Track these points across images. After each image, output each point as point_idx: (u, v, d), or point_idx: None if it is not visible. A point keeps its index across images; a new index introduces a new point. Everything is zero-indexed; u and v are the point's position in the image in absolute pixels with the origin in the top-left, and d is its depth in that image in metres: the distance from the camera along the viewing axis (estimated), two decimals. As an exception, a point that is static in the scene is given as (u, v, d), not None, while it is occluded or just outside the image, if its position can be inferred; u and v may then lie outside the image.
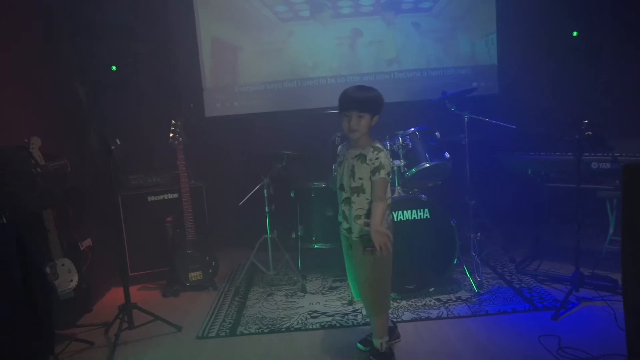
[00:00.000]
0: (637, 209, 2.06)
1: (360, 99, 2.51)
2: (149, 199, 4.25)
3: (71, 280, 3.32)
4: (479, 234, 3.79)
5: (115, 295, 4.06)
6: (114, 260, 4.26)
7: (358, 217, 2.55)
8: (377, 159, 2.50)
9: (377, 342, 2.64)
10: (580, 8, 4.73)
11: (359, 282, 2.64)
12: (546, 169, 3.66)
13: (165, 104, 4.71)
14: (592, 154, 3.41)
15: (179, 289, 3.97)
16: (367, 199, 2.54)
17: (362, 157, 2.53)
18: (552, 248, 3.95)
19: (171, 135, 3.88)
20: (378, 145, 2.57)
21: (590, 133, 3.14)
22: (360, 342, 2.87)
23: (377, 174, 2.49)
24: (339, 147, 2.79)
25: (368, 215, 2.52)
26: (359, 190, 2.54)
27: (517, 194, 4.29)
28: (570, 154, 3.56)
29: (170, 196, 4.27)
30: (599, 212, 3.81)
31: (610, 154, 3.33)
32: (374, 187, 2.51)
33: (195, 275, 3.98)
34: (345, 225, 2.64)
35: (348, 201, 2.59)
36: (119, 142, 3.08)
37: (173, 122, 3.91)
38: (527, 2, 4.79)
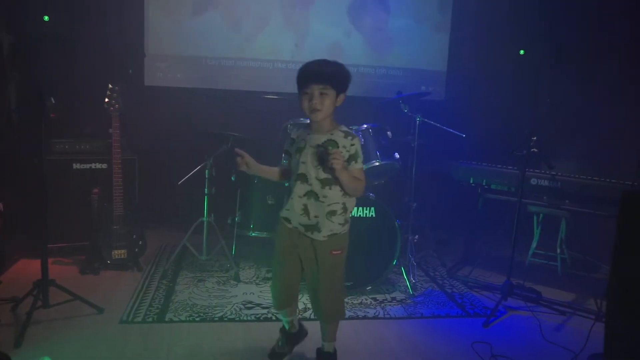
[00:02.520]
0: (631, 233, 2.14)
1: (323, 72, 2.16)
2: (75, 166, 3.91)
3: (-21, 248, 2.96)
4: (416, 237, 3.84)
5: (24, 268, 3.70)
6: (25, 229, 3.90)
7: (332, 213, 2.25)
8: (352, 145, 2.21)
9: (330, 346, 2.49)
10: (529, 27, 4.93)
11: (322, 289, 2.34)
12: (488, 180, 3.76)
13: (101, 65, 4.33)
14: (534, 170, 3.54)
15: (99, 267, 3.68)
16: (341, 192, 2.24)
17: (334, 144, 2.20)
18: (482, 256, 4.09)
19: (107, 100, 3.58)
20: (345, 128, 2.27)
21: (536, 150, 3.26)
22: (269, 356, 2.60)
23: (353, 162, 2.22)
24: (295, 131, 2.44)
25: (344, 211, 2.29)
26: (331, 182, 2.22)
27: (454, 201, 4.40)
28: (512, 167, 3.69)
29: (98, 166, 3.95)
30: (525, 225, 4.00)
31: (550, 173, 3.47)
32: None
33: (119, 254, 3.71)
34: (306, 221, 2.28)
35: (313, 194, 2.24)
36: (53, 101, 2.76)
37: (110, 86, 3.61)
38: (481, 17, 4.92)
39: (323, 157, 2.21)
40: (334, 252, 2.30)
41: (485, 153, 4.20)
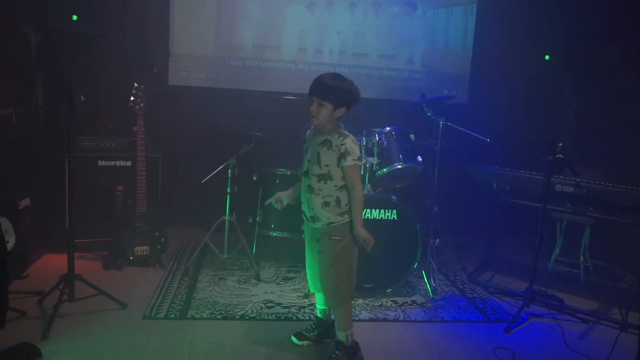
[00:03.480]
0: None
1: (324, 86, 2.42)
2: (99, 163, 3.96)
3: (7, 242, 3.01)
4: (437, 240, 3.83)
5: (49, 262, 3.76)
6: (51, 224, 3.97)
7: (326, 204, 2.47)
8: (342, 144, 2.42)
9: (341, 335, 2.54)
10: (554, 32, 4.89)
11: (322, 273, 2.55)
12: (512, 185, 3.72)
13: (126, 64, 4.40)
14: (559, 176, 3.50)
15: (122, 263, 3.72)
16: (336, 186, 2.46)
17: (328, 144, 2.46)
18: (503, 261, 4.05)
19: (132, 99, 3.64)
20: (344, 131, 2.49)
21: (562, 156, 3.22)
22: (294, 335, 2.80)
23: (342, 160, 2.42)
24: (307, 132, 2.71)
25: (338, 203, 2.47)
26: (326, 177, 2.46)
27: (476, 206, 4.37)
28: (535, 172, 3.65)
29: (123, 163, 4.00)
30: (548, 232, 3.96)
31: (574, 179, 3.43)
32: (346, 174, 2.45)
33: (142, 250, 3.75)
34: (309, 213, 2.54)
35: (311, 189, 2.50)
36: (82, 99, 2.81)
37: (136, 85, 3.66)
38: (505, 22, 4.89)
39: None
40: (333, 237, 2.48)
41: (507, 158, 4.18)
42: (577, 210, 3.53)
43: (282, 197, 2.68)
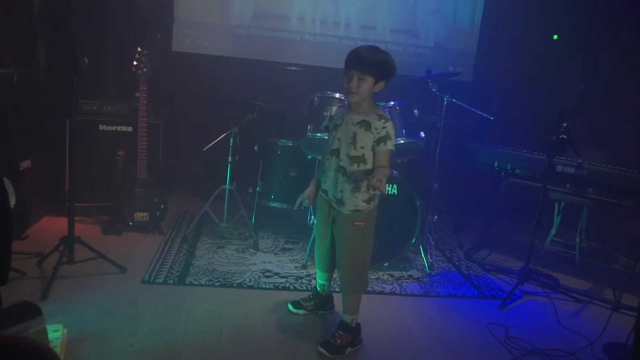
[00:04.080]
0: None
1: (366, 60, 2.27)
2: (101, 127, 3.93)
3: (8, 202, 3.00)
4: (436, 217, 3.85)
5: (48, 225, 3.77)
6: (50, 187, 3.97)
7: (357, 189, 2.37)
8: (383, 128, 2.32)
9: (348, 318, 2.52)
10: (563, 12, 4.82)
11: (343, 257, 2.48)
12: (513, 164, 3.73)
13: (129, 28, 4.33)
14: (560, 157, 3.50)
15: (121, 228, 3.74)
16: (368, 171, 2.35)
17: (367, 125, 2.34)
18: (500, 240, 4.08)
19: (135, 63, 3.60)
20: (383, 113, 2.40)
21: (565, 137, 3.22)
22: (291, 304, 2.82)
23: (382, 144, 2.33)
24: (334, 108, 2.60)
25: (368, 189, 2.37)
26: (360, 160, 2.35)
27: (477, 184, 4.38)
28: (537, 153, 3.65)
29: (124, 128, 3.97)
30: (546, 213, 3.97)
31: (576, 161, 3.43)
32: (378, 156, 2.34)
33: (141, 216, 3.76)
34: (334, 194, 2.43)
35: (343, 170, 2.38)
36: (87, 61, 2.78)
37: (139, 49, 3.61)
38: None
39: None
40: (356, 223, 2.42)
41: (510, 138, 4.16)
42: (577, 191, 3.54)
43: (311, 195, 2.60)
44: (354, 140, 2.36)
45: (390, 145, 2.34)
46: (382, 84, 2.35)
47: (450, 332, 2.78)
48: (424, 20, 4.93)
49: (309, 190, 2.62)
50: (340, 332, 2.48)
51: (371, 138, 2.34)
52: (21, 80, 3.62)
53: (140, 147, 3.68)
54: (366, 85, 2.31)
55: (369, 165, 2.37)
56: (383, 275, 3.41)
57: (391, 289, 3.22)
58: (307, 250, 3.44)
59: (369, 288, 3.16)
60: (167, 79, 4.50)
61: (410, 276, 3.46)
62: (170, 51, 4.60)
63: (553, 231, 4.14)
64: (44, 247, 3.11)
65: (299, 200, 2.68)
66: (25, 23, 4.00)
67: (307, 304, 2.80)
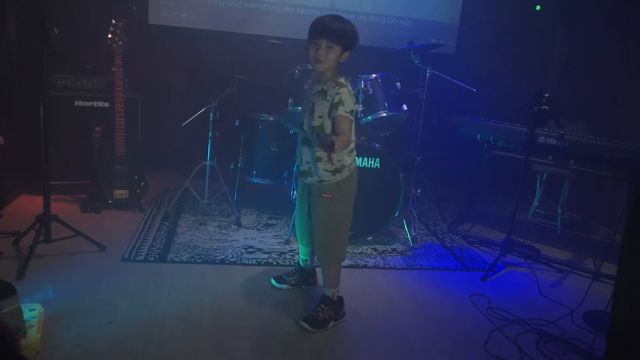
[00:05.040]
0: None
1: (334, 29, 2.24)
2: (76, 103, 3.83)
3: (-20, 181, 2.93)
4: (419, 190, 3.84)
5: (25, 203, 3.69)
6: (26, 165, 3.88)
7: (319, 159, 2.35)
8: (337, 94, 2.25)
9: (329, 292, 2.50)
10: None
11: (315, 231, 2.48)
12: (495, 137, 3.71)
13: (105, 0, 4.19)
14: (542, 128, 3.49)
15: (100, 206, 3.67)
16: None
17: (323, 93, 2.31)
18: (483, 213, 4.10)
19: (110, 36, 3.49)
20: (342, 80, 2.32)
21: (547, 107, 3.20)
22: (274, 278, 2.80)
23: (334, 110, 2.25)
24: (310, 81, 2.60)
25: (330, 159, 2.34)
26: (319, 129, 2.31)
27: (459, 157, 4.37)
28: (519, 125, 3.63)
29: (100, 104, 3.87)
30: (528, 185, 3.98)
31: (558, 132, 3.42)
32: (335, 124, 2.25)
33: (120, 194, 3.69)
34: (302, 167, 2.44)
35: (308, 142, 2.38)
36: (56, 32, 2.67)
37: (114, 22, 3.50)
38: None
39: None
40: (324, 195, 2.41)
41: (493, 110, 4.16)
42: (558, 162, 3.54)
43: None
44: (312, 111, 2.35)
45: (342, 110, 2.23)
46: (347, 54, 2.31)
47: (434, 305, 2.78)
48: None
49: None
50: (323, 306, 2.46)
51: (326, 106, 2.29)
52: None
53: (118, 123, 3.60)
54: (333, 54, 2.27)
55: None
56: (367, 250, 3.40)
57: (375, 263, 3.21)
58: (290, 226, 3.41)
59: (352, 262, 3.17)
60: (145, 53, 4.39)
61: (394, 250, 3.46)
62: (147, 24, 4.47)
63: (535, 202, 4.17)
64: (21, 226, 3.04)
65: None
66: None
67: (290, 278, 2.79)
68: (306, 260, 2.78)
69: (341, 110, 2.24)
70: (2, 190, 3.21)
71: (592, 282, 2.94)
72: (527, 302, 2.91)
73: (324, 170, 2.37)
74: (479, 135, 3.79)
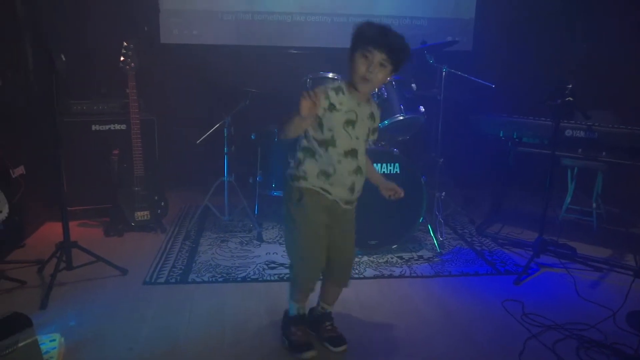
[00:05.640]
0: None
1: (396, 44, 1.91)
2: (93, 128, 3.85)
3: (0, 212, 2.94)
4: (443, 193, 3.71)
5: (50, 231, 3.71)
6: (50, 192, 3.89)
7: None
8: (378, 115, 2.17)
9: (331, 309, 2.41)
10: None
11: (352, 249, 2.27)
12: (519, 133, 3.57)
13: (116, 22, 4.23)
14: (568, 121, 3.33)
15: (123, 229, 3.67)
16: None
17: (373, 118, 2.12)
18: (512, 213, 3.94)
19: (122, 59, 3.50)
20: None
21: (571, 99, 3.05)
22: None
23: (376, 132, 2.18)
24: (332, 93, 1.98)
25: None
26: (362, 153, 2.12)
27: (483, 156, 4.22)
28: (544, 118, 3.49)
29: (117, 127, 3.89)
30: (558, 180, 3.81)
31: (586, 123, 3.26)
32: (367, 146, 2.16)
33: (142, 215, 3.68)
34: (350, 197, 2.12)
35: (360, 171, 2.10)
36: (64, 59, 2.67)
37: (125, 44, 3.51)
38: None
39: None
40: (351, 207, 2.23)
41: (515, 105, 4.00)
42: (589, 155, 3.38)
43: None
44: (366, 135, 2.12)
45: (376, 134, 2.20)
46: (390, 78, 2.17)
47: (463, 313, 2.66)
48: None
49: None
50: (331, 323, 2.37)
51: (370, 127, 2.15)
52: (8, 86, 3.54)
53: (135, 144, 3.60)
54: (383, 74, 1.96)
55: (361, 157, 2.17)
56: (392, 258, 3.30)
57: (401, 272, 3.11)
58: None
59: (377, 272, 3.08)
60: (159, 73, 4.41)
61: (420, 257, 3.34)
62: (159, 44, 4.48)
63: (568, 199, 3.98)
64: (45, 254, 3.05)
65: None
66: (9, 24, 3.91)
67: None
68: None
69: (376, 134, 2.20)
70: (23, 221, 3.23)
71: (634, 280, 2.77)
72: (565, 306, 2.75)
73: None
74: (501, 132, 3.65)
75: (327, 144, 2.03)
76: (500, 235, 3.73)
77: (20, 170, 3.42)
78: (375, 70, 1.93)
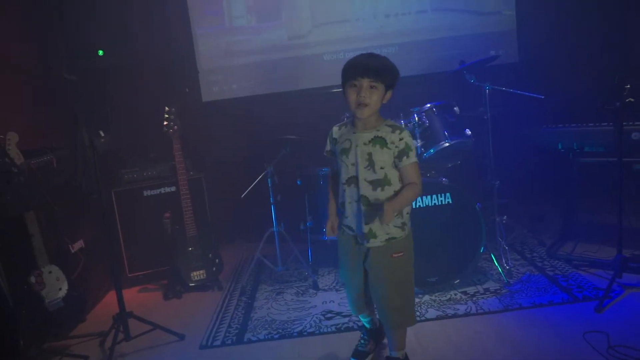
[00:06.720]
0: None
1: (374, 66, 2.02)
2: (145, 193, 3.94)
3: (60, 289, 3.01)
4: (504, 217, 3.45)
5: (113, 300, 3.71)
6: (110, 262, 4.00)
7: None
8: (401, 140, 2.06)
9: (398, 354, 2.29)
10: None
11: (385, 294, 2.19)
12: (579, 142, 3.29)
13: (158, 88, 4.37)
14: (632, 123, 3.04)
15: (181, 290, 3.68)
16: (395, 192, 2.09)
17: (381, 141, 2.08)
18: (584, 229, 3.61)
19: (165, 123, 3.59)
20: (394, 123, 2.14)
21: (632, 100, 2.78)
22: (353, 357, 2.49)
23: (404, 158, 2.06)
24: (335, 129, 2.27)
25: (400, 212, 2.12)
26: (383, 183, 2.09)
27: (544, 171, 3.94)
28: (606, 124, 3.20)
29: (167, 190, 3.96)
30: (634, 188, 3.46)
31: (653, 123, 2.96)
32: (406, 174, 2.08)
33: (198, 275, 3.68)
34: (360, 229, 2.14)
35: (366, 200, 2.10)
36: (102, 135, 2.76)
37: (167, 109, 3.61)
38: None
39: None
40: (395, 255, 2.14)
41: (570, 114, 3.70)
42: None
43: (334, 226, 2.33)
44: (371, 162, 2.09)
45: (413, 157, 2.08)
46: (389, 93, 2.11)
47: (539, 350, 2.41)
48: (455, 14, 4.56)
49: (330, 222, 2.34)
50: None
51: (390, 155, 2.08)
52: (62, 163, 3.71)
53: (185, 205, 3.64)
54: (377, 94, 2.05)
55: (395, 186, 2.11)
56: (455, 294, 3.08)
57: (466, 309, 2.88)
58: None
59: (439, 312, 2.87)
60: (204, 131, 4.49)
61: (486, 290, 3.10)
62: (201, 103, 4.59)
63: (646, 206, 3.61)
64: (108, 325, 3.08)
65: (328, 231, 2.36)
66: (62, 105, 4.13)
67: (366, 347, 2.51)
68: (371, 319, 2.53)
69: (412, 157, 2.09)
70: (86, 295, 3.30)
71: None
72: (658, 332, 2.43)
73: (394, 226, 2.13)
74: (559, 144, 3.39)
75: (337, 176, 2.24)
76: (573, 255, 3.41)
77: (79, 244, 3.53)
78: (367, 93, 2.04)
